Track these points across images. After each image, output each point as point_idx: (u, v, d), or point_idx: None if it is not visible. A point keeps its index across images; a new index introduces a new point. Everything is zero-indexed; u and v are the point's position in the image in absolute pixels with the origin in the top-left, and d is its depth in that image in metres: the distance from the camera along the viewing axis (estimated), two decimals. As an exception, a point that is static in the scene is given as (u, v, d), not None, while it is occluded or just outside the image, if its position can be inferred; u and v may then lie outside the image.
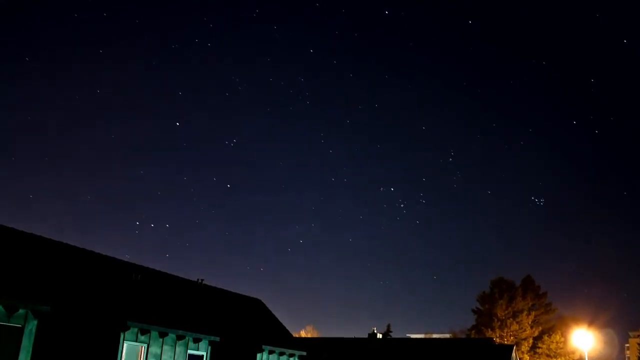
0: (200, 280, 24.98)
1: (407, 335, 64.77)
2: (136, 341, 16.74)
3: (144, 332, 16.90)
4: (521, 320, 51.30)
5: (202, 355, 19.50)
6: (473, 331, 53.97)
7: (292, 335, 28.83)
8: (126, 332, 16.28)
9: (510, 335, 50.86)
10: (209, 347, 19.82)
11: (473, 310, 55.51)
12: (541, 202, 78.56)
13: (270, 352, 22.87)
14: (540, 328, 52.15)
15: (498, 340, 48.35)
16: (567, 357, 51.28)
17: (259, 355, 22.08)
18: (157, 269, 22.70)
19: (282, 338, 25.70)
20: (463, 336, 57.29)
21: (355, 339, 41.52)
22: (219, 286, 26.17)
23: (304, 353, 25.43)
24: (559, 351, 51.34)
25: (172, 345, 18.06)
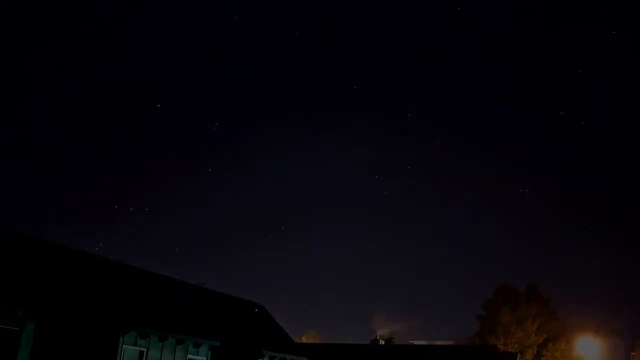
0: (201, 284, 24.84)
1: (410, 341, 64.35)
2: (135, 345, 16.55)
3: (143, 335, 16.72)
4: (526, 328, 50.84)
5: (202, 360, 19.30)
6: (477, 338, 53.55)
7: (293, 340, 28.61)
8: (125, 336, 16.11)
9: (515, 342, 50.40)
10: (209, 352, 19.62)
11: (477, 317, 55.13)
12: (526, 191, 77.88)
13: (272, 358, 22.64)
14: (545, 335, 51.67)
15: (502, 347, 47.92)
16: (572, 365, 50.76)
17: (259, 360, 21.86)
18: (152, 266, 22.60)
19: (283, 343, 25.49)
20: (467, 343, 56.84)
21: (357, 345, 41.22)
22: (217, 289, 26.04)
23: (305, 359, 25.19)
24: (564, 359, 50.84)
25: (171, 350, 17.87)
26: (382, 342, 42.87)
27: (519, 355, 38.32)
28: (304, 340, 70.36)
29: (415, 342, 64.14)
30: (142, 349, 16.81)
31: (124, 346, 16.10)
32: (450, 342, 63.27)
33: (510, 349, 47.95)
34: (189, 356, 18.62)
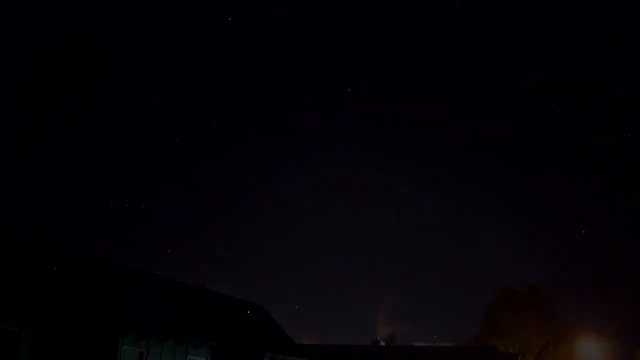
0: (201, 285, 24.85)
1: (411, 343, 64.33)
2: (135, 346, 16.55)
3: (143, 337, 16.71)
4: (527, 329, 50.82)
5: (202, 362, 19.27)
6: (478, 340, 53.50)
7: (294, 342, 28.57)
8: (125, 337, 16.10)
9: (516, 344, 50.35)
10: (209, 353, 19.59)
11: (478, 319, 55.11)
12: (525, 190, 77.35)
13: (272, 359, 22.61)
14: (546, 337, 51.62)
15: (503, 349, 47.88)
16: (574, 367, 50.69)
17: (260, 362, 21.83)
18: (155, 269, 22.60)
19: (284, 345, 25.46)
20: (468, 345, 56.82)
21: (358, 346, 41.20)
22: (218, 290, 26.02)
23: (306, 360, 25.15)
24: (565, 361, 50.74)
25: (171, 351, 17.86)
26: (382, 343, 42.83)
27: (520, 357, 38.23)
28: (305, 341, 70.28)
29: (417, 344, 63.99)
30: (142, 350, 16.80)
31: (124, 347, 16.10)
32: (452, 344, 63.18)
33: (511, 351, 47.91)
34: (189, 357, 18.60)
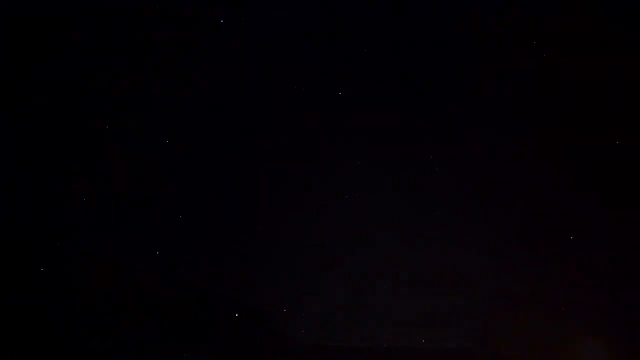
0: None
1: (411, 344, 64.86)
2: (135, 348, 16.53)
3: (143, 339, 16.68)
4: (527, 329, 51.10)
5: (203, 363, 19.29)
6: (478, 340, 53.76)
7: (294, 342, 28.61)
8: (125, 339, 16.07)
9: (516, 344, 50.60)
10: (209, 355, 19.59)
11: (478, 319, 55.36)
12: (525, 186, 77.58)
13: (272, 360, 22.65)
14: (547, 337, 51.88)
15: (503, 350, 48.12)
16: (574, 368, 50.89)
17: (260, 363, 21.85)
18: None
19: (284, 345, 25.46)
20: (468, 346, 57.09)
21: (358, 347, 41.31)
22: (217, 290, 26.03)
23: (306, 361, 25.17)
24: (565, 361, 51.00)
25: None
26: (384, 344, 42.96)
27: (519, 357, 38.20)
28: (305, 342, 70.26)
29: (416, 345, 63.97)
30: (142, 352, 16.77)
31: (123, 349, 16.06)
32: (452, 345, 63.27)
33: (512, 352, 48.11)
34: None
